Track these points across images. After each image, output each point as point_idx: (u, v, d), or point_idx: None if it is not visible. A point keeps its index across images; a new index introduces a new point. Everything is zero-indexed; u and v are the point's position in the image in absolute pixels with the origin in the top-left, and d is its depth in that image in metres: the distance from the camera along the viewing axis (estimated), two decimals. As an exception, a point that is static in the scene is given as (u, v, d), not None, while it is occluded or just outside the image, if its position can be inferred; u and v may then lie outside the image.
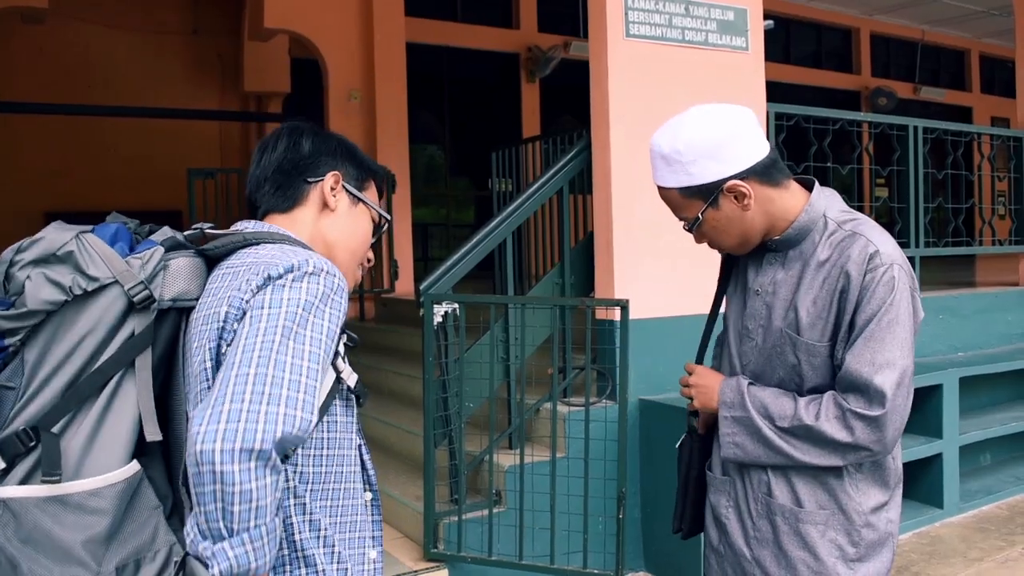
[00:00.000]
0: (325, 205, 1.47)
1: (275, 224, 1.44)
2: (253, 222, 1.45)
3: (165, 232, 1.37)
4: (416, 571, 3.59)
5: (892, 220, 5.48)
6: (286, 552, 1.27)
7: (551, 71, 10.68)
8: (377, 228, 1.56)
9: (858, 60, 14.02)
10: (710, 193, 1.79)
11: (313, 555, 1.28)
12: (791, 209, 1.85)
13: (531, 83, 10.94)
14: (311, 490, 1.30)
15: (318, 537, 1.30)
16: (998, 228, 6.46)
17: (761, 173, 1.80)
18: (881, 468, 1.87)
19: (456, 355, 3.68)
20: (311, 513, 1.30)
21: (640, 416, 4.12)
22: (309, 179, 1.47)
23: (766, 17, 4.77)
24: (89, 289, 1.24)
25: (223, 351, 1.23)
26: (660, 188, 1.87)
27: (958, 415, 4.84)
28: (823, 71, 13.54)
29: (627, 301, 3.47)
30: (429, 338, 3.62)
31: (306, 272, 1.26)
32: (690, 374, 2.04)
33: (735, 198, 1.79)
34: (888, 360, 1.71)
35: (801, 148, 5.08)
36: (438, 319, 3.62)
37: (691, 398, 2.02)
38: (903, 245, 5.19)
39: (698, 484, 2.10)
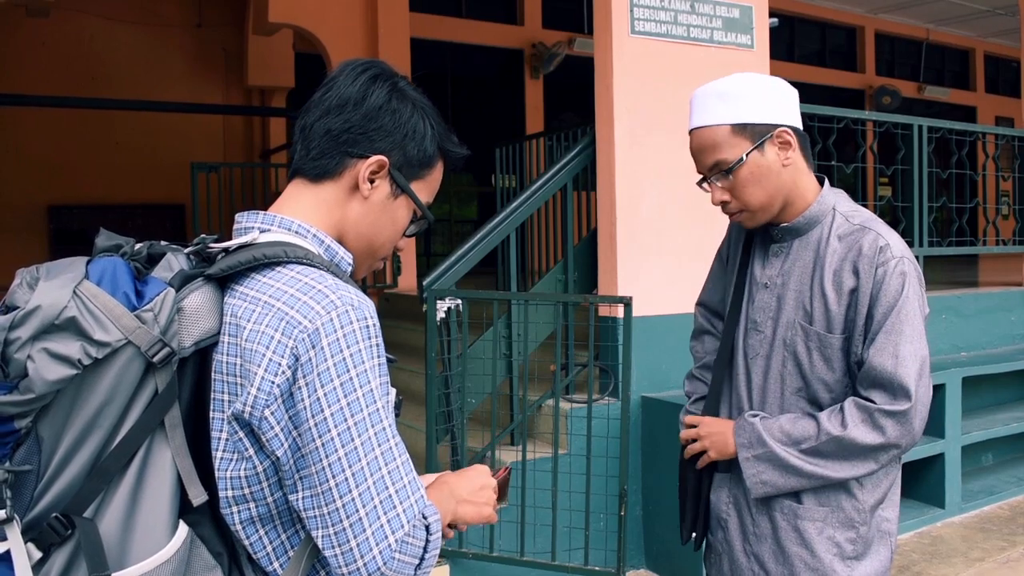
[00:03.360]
0: (356, 187, 1.29)
1: (290, 206, 1.29)
2: (260, 216, 1.27)
3: (170, 263, 1.19)
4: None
5: (896, 219, 5.48)
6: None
7: (555, 67, 10.66)
8: (415, 221, 1.37)
9: (862, 59, 13.99)
10: (760, 135, 1.80)
11: None
12: (808, 194, 1.88)
13: (535, 79, 10.93)
14: None
15: None
16: (1002, 228, 6.45)
17: (802, 138, 1.86)
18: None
19: (459, 351, 3.68)
20: None
21: (642, 413, 4.12)
22: (351, 151, 1.27)
23: (771, 15, 4.76)
24: (100, 357, 1.08)
25: (251, 421, 1.14)
26: (701, 129, 1.84)
27: (960, 415, 4.83)
28: (827, 69, 13.53)
29: (630, 298, 3.47)
30: (432, 334, 3.62)
31: (336, 330, 1.13)
32: (691, 426, 2.04)
33: (780, 147, 1.81)
34: (910, 352, 1.74)
35: (805, 146, 5.06)
36: (441, 315, 3.62)
37: (697, 450, 2.01)
38: (907, 244, 5.19)
39: (707, 488, 2.08)
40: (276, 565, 1.21)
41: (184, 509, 1.14)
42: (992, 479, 5.24)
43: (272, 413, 1.13)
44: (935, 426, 4.74)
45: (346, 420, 1.12)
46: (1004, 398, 5.62)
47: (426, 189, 1.36)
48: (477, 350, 3.89)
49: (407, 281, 7.27)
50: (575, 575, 3.53)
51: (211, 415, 1.18)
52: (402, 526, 1.14)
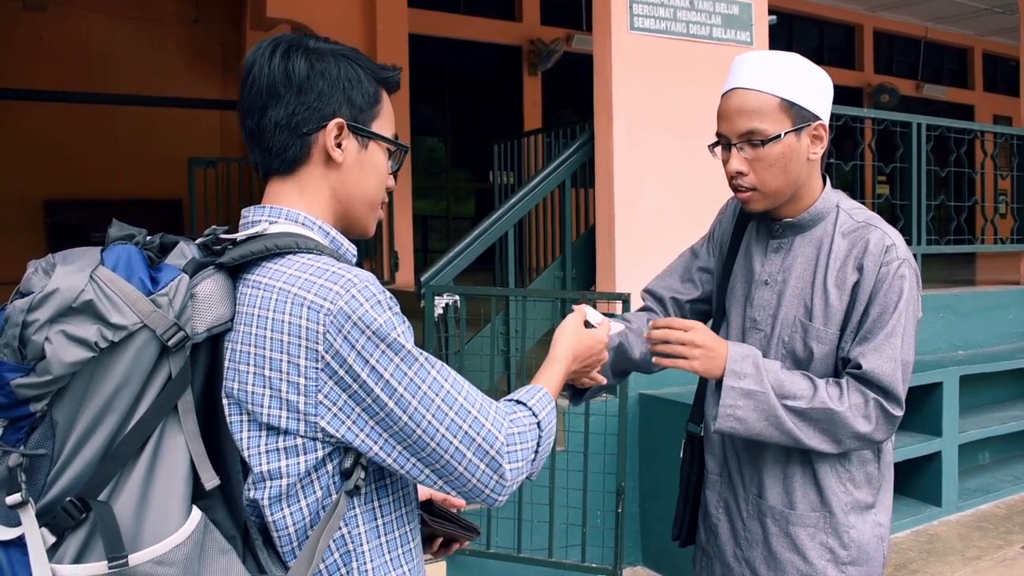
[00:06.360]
0: (329, 158, 1.30)
1: (283, 201, 1.30)
2: (268, 210, 1.30)
3: (183, 251, 1.22)
4: (414, 563, 3.59)
5: (894, 217, 5.47)
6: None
7: (553, 64, 10.66)
8: (392, 156, 1.38)
9: (861, 57, 14.00)
10: (803, 120, 1.76)
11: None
12: (814, 191, 1.85)
13: (533, 76, 10.93)
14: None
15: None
16: (999, 226, 6.45)
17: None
18: (872, 469, 1.86)
19: (456, 347, 3.67)
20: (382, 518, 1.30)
21: (640, 410, 4.11)
22: (306, 131, 1.28)
23: (770, 12, 4.76)
24: (116, 340, 1.09)
25: (306, 410, 1.17)
26: (748, 91, 1.76)
27: (958, 413, 4.83)
28: (826, 67, 13.38)
29: (628, 295, 3.46)
30: (429, 330, 3.61)
31: (361, 304, 1.16)
32: (678, 330, 1.79)
33: (812, 140, 1.78)
34: (903, 358, 1.73)
35: (804, 144, 5.06)
36: (439, 311, 3.62)
37: (680, 353, 1.77)
38: (905, 242, 5.20)
39: (696, 491, 2.08)
40: (295, 545, 1.22)
41: (197, 494, 1.15)
42: (989, 478, 5.24)
43: (326, 396, 1.16)
44: (932, 424, 4.74)
45: (406, 374, 1.18)
46: (1001, 397, 5.62)
47: (385, 123, 1.37)
48: (475, 346, 3.88)
49: (404, 277, 7.27)
50: (572, 572, 3.53)
51: (224, 402, 1.20)
52: (497, 437, 1.23)
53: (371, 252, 7.34)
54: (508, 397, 1.39)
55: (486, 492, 1.24)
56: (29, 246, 8.55)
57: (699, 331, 1.78)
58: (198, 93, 9.93)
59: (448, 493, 1.26)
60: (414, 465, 1.21)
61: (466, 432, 1.21)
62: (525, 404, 1.35)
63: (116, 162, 9.48)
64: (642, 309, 2.14)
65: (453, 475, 1.22)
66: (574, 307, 1.71)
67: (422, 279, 3.72)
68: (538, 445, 1.30)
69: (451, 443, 1.20)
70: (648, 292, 2.14)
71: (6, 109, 8.92)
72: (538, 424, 1.32)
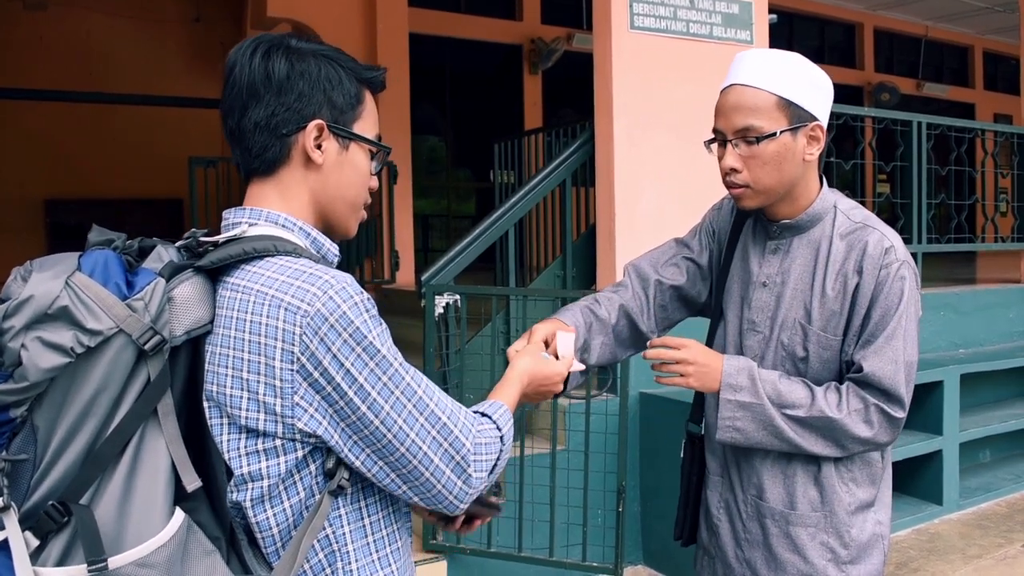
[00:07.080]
0: (309, 159, 1.29)
1: (264, 202, 1.30)
2: (247, 212, 1.29)
3: (160, 255, 1.21)
4: (415, 562, 3.59)
5: (895, 216, 5.47)
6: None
7: (553, 63, 10.65)
8: (374, 158, 1.37)
9: (861, 55, 13.98)
10: (800, 120, 1.75)
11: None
12: (811, 192, 1.85)
13: (534, 75, 10.91)
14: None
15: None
16: (1000, 225, 6.45)
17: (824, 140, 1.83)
18: (872, 467, 1.86)
19: (457, 347, 3.67)
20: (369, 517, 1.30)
21: (640, 409, 4.11)
22: (286, 132, 1.27)
23: (770, 11, 4.75)
24: (92, 345, 1.10)
25: (283, 412, 1.17)
26: (746, 87, 1.75)
27: (958, 412, 4.83)
28: (826, 66, 13.33)
29: (629, 294, 3.46)
30: (430, 329, 3.61)
31: (338, 306, 1.16)
32: (672, 348, 1.82)
33: (808, 140, 1.78)
34: (906, 359, 1.73)
35: (804, 143, 5.05)
36: (439, 310, 3.62)
37: (676, 372, 1.81)
38: (905, 241, 5.19)
39: (697, 491, 2.07)
40: (279, 546, 1.23)
41: (181, 496, 1.16)
42: (990, 476, 5.24)
43: (302, 397, 1.17)
44: (933, 423, 4.74)
45: (380, 379, 1.19)
46: (1002, 395, 5.62)
47: (367, 124, 1.36)
48: (475, 346, 3.88)
49: (405, 276, 7.27)
50: (573, 571, 3.53)
51: (205, 405, 1.20)
52: (464, 444, 1.25)
53: (371, 251, 7.33)
54: (472, 409, 1.39)
55: (449, 498, 1.25)
56: (29, 246, 8.56)
57: (692, 348, 1.81)
58: (198, 92, 9.91)
59: (411, 499, 1.27)
60: (380, 468, 1.22)
61: (434, 438, 1.22)
62: (490, 417, 1.37)
63: (116, 162, 9.47)
64: (618, 285, 2.06)
65: (419, 480, 1.23)
66: (553, 335, 1.77)
67: (423, 278, 3.72)
68: (498, 458, 1.31)
69: (420, 448, 1.21)
70: (635, 268, 2.07)
71: (6, 109, 8.92)
72: (501, 438, 1.33)
